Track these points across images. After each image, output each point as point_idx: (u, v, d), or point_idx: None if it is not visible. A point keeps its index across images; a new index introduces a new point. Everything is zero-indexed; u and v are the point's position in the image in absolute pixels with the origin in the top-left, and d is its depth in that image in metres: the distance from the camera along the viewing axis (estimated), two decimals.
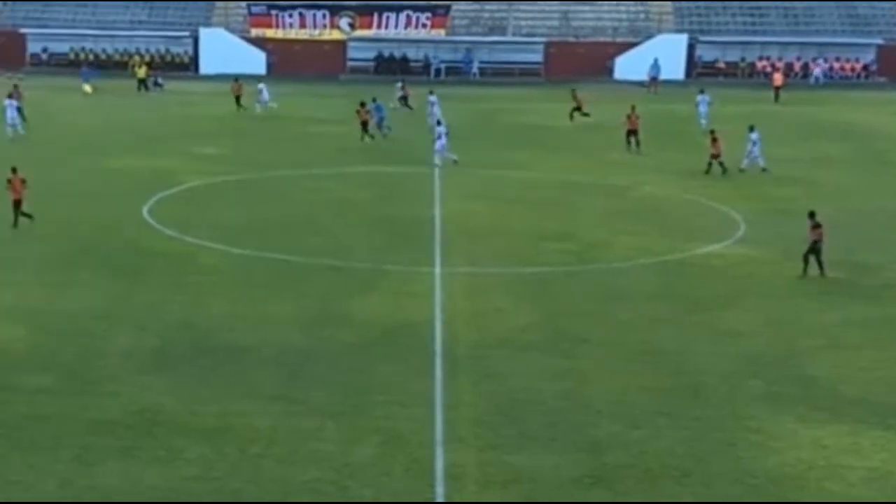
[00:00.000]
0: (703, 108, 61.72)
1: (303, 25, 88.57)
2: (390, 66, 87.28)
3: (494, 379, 24.38)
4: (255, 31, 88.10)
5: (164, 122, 60.47)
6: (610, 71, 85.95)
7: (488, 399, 23.25)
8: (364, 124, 55.88)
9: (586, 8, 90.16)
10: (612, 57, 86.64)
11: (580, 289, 31.39)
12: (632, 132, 53.86)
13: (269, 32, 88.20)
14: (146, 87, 75.29)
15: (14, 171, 37.19)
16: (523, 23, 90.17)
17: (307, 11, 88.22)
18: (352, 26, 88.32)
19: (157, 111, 65.33)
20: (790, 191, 44.30)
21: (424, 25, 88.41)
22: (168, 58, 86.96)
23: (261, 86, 67.25)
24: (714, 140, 48.18)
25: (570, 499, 19.16)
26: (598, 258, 34.62)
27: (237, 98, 65.68)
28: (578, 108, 63.25)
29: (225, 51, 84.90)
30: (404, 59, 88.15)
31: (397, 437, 21.22)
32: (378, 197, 42.72)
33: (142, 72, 76.39)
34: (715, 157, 47.90)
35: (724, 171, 47.63)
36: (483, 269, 32.97)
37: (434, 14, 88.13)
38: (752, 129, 48.95)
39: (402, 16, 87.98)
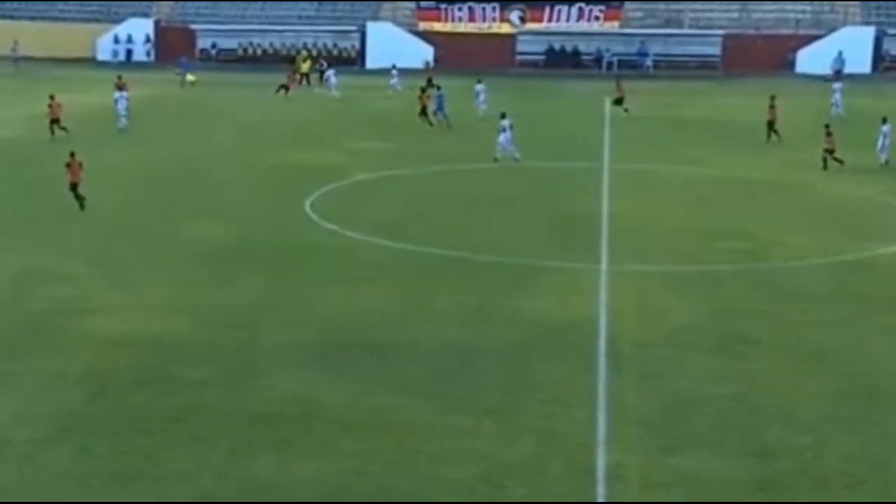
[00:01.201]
0: (838, 96, 61.81)
1: (472, 19, 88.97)
2: (561, 60, 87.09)
3: (659, 379, 24.23)
4: (422, 25, 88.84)
5: (328, 117, 61.27)
6: (791, 64, 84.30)
7: (653, 399, 23.11)
8: (423, 110, 57.77)
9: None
10: (793, 50, 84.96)
11: (751, 288, 30.95)
12: (770, 123, 53.95)
13: (437, 26, 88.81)
14: (308, 82, 76.41)
15: (73, 155, 39.21)
16: (700, 15, 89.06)
17: (476, 5, 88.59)
18: (522, 19, 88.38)
19: (320, 106, 66.33)
20: None
21: (597, 18, 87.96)
22: (335, 52, 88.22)
23: (329, 72, 71.16)
24: (828, 134, 47.62)
25: None
26: (770, 257, 34.09)
27: (285, 87, 69.34)
28: (620, 100, 63.29)
29: (392, 45, 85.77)
30: (575, 53, 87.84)
31: (557, 437, 21.24)
32: (543, 192, 42.69)
33: (305, 66, 77.67)
34: (829, 151, 47.27)
35: (841, 163, 46.84)
36: (651, 266, 32.73)
37: (608, 7, 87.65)
38: (884, 120, 48.24)
39: (575, 9, 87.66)
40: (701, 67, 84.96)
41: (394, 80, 72.02)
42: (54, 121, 53.00)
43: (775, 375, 24.44)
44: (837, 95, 62.23)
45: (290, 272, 31.89)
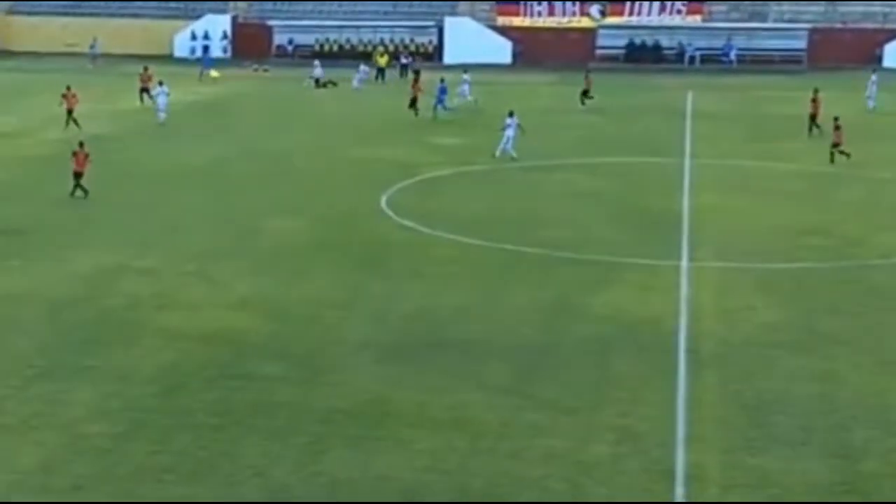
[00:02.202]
0: (874, 89, 62.87)
1: (551, 13, 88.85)
2: (642, 55, 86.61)
3: (741, 378, 23.96)
4: (501, 20, 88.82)
5: (404, 112, 61.24)
6: (879, 59, 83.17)
7: (734, 399, 22.89)
8: (413, 100, 59.71)
9: None
10: (881, 44, 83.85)
11: (837, 287, 30.57)
12: (812, 117, 53.87)
13: (516, 21, 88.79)
14: (383, 78, 76.54)
15: (81, 145, 40.50)
16: (785, 8, 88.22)
17: (556, 0, 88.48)
18: (602, 13, 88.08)
19: (397, 101, 66.37)
20: None
21: (679, 12, 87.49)
22: (412, 47, 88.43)
23: (316, 62, 75.49)
24: (837, 128, 47.42)
25: None
26: (856, 255, 33.67)
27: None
28: (586, 92, 63.94)
29: (470, 40, 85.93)
30: (657, 47, 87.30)
31: (635, 436, 21.08)
32: (624, 188, 42.54)
33: (383, 60, 77.79)
34: (835, 145, 47.01)
35: (848, 157, 46.65)
36: (733, 263, 32.46)
37: (690, 0, 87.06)
38: None
39: (656, 2, 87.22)
40: (786, 62, 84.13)
41: (317, 70, 74.44)
42: (69, 111, 54.09)
43: (863, 376, 24.07)
44: (873, 88, 62.80)
45: (365, 268, 31.98)
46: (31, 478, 19.41)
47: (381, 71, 77.14)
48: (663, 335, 26.35)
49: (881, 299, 29.30)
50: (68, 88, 55.13)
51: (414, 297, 29.47)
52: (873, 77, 64.16)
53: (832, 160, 46.90)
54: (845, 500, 18.93)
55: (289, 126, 57.27)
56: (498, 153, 47.80)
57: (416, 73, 64.48)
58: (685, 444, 20.66)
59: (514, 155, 47.62)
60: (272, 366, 24.55)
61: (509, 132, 47.88)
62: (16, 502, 18.68)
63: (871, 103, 62.21)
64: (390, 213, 38.30)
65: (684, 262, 32.43)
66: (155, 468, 19.82)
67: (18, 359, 24.91)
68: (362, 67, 74.83)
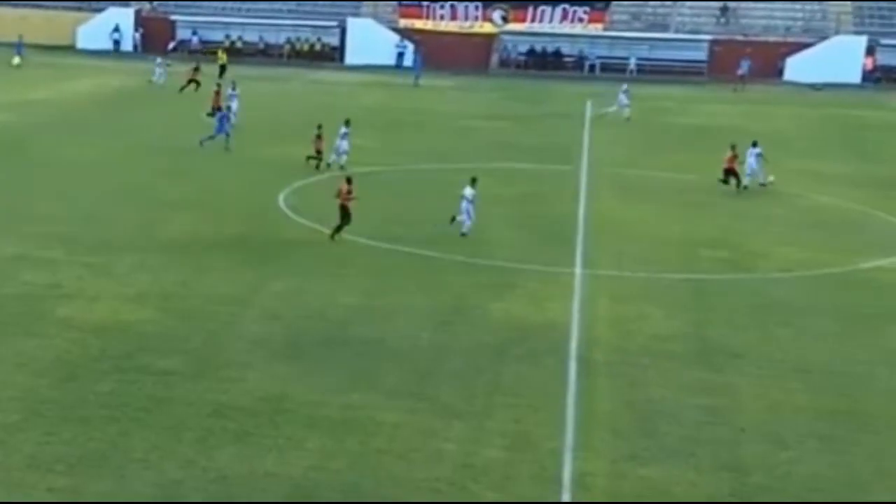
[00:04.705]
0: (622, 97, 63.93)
1: (454, 17, 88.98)
2: (543, 61, 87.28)
3: (634, 388, 24.22)
4: (403, 23, 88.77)
5: (306, 112, 60.96)
6: (780, 72, 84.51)
7: (626, 408, 23.13)
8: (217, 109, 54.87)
9: (760, 6, 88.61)
10: (783, 57, 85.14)
11: (734, 299, 30.91)
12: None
13: (419, 24, 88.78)
14: (223, 72, 74.49)
15: None
16: (687, 19, 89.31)
17: (459, 3, 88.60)
18: (505, 19, 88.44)
19: (300, 101, 66.26)
20: None
21: (581, 20, 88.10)
22: (318, 47, 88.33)
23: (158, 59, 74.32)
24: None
25: None
26: (754, 268, 34.09)
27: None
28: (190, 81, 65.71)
29: (371, 41, 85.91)
30: (557, 54, 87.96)
31: (525, 442, 21.28)
32: (522, 194, 42.74)
33: (223, 57, 76.88)
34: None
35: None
36: (629, 272, 32.75)
37: (592, 9, 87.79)
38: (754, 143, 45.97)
39: (559, 10, 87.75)
40: (686, 73, 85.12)
41: (159, 71, 73.08)
42: None
43: (755, 389, 24.37)
44: (622, 97, 63.61)
45: (262, 266, 31.94)
46: None
47: (223, 67, 75.54)
48: (557, 342, 26.56)
49: (778, 313, 29.66)
50: None
51: (311, 295, 29.51)
52: (623, 86, 65.18)
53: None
54: None
55: (191, 122, 56.72)
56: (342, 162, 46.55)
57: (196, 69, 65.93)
58: (574, 452, 20.86)
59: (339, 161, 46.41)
60: (167, 360, 24.56)
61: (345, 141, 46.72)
62: (15, 502, 18.57)
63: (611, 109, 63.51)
64: (288, 211, 38.23)
65: (578, 270, 32.67)
66: (46, 458, 19.86)
67: None
68: (160, 60, 74.30)
